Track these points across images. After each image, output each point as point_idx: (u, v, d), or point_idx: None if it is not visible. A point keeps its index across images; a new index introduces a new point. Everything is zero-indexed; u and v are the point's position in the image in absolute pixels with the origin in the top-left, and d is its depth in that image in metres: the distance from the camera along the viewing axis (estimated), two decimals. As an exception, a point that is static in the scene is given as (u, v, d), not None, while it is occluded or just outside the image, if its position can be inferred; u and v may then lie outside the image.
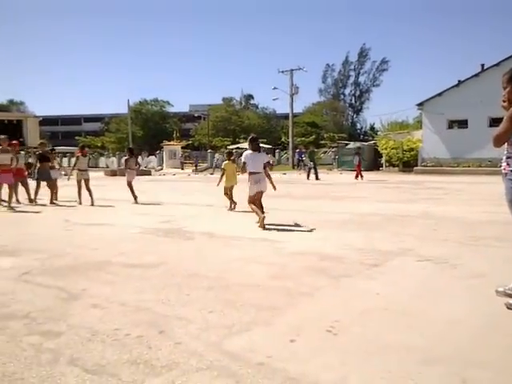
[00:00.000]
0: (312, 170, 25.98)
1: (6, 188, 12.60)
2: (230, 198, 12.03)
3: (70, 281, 5.22)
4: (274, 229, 8.70)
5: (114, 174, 35.12)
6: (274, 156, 50.83)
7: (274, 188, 9.77)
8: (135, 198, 14.10)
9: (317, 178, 25.39)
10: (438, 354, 3.25)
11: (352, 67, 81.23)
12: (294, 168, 42.10)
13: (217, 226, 9.16)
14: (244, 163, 9.39)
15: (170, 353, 3.30)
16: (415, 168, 31.26)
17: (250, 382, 2.86)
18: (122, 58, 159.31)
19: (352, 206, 12.64)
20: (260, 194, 9.39)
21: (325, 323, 3.81)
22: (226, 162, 12.64)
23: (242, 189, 10.64)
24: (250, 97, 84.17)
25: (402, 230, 8.33)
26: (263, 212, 9.05)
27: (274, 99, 64.59)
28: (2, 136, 12.70)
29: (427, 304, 4.35)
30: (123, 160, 15.53)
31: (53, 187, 14.15)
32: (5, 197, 12.73)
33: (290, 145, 45.40)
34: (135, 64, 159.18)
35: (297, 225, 9.11)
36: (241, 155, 28.17)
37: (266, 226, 8.68)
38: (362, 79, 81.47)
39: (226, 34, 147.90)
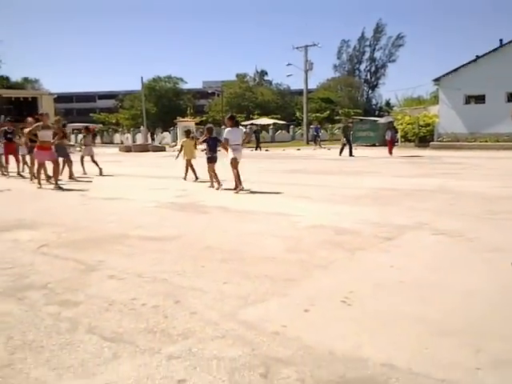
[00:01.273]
0: (346, 146, 24.01)
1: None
2: (192, 169, 13.15)
3: (87, 253, 5.30)
4: (290, 203, 8.70)
5: (128, 150, 35.24)
6: (289, 132, 50.64)
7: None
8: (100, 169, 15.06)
9: (351, 154, 23.57)
10: (452, 326, 3.25)
11: (367, 43, 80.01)
12: (308, 144, 41.85)
13: (231, 201, 9.19)
14: (226, 139, 10.80)
15: (185, 322, 3.35)
16: (431, 143, 30.86)
17: (265, 350, 2.90)
18: (136, 36, 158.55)
19: (367, 180, 12.57)
20: (236, 160, 10.76)
21: (339, 294, 3.83)
22: (184, 139, 13.96)
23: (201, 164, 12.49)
24: (264, 73, 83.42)
25: (418, 205, 8.27)
26: (240, 179, 10.64)
27: (288, 75, 64.20)
28: (45, 111, 12.59)
29: (442, 276, 4.34)
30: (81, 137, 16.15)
31: (69, 162, 14.21)
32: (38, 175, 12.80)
33: (305, 120, 45.01)
34: (149, 41, 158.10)
35: None
36: (255, 131, 27.48)
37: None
38: (377, 55, 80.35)
39: (240, 10, 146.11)
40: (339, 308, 3.59)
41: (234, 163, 10.73)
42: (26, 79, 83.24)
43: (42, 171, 12.51)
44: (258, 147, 33.38)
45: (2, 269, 4.73)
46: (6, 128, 15.73)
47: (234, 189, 10.58)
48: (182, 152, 13.34)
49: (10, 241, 6.00)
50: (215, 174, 11.56)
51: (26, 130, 14.52)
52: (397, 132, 25.76)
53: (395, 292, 3.94)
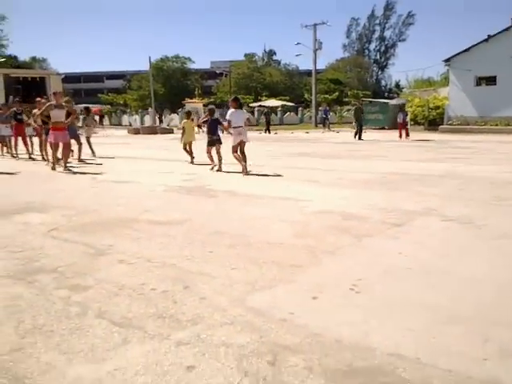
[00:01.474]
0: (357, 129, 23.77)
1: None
2: (190, 152, 13.21)
3: (97, 237, 5.34)
4: (298, 187, 8.70)
5: (137, 132, 35.23)
6: (297, 114, 50.31)
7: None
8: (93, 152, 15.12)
9: (359, 138, 23.27)
10: (460, 313, 3.25)
11: (377, 21, 78.97)
12: (316, 126, 41.60)
13: (240, 185, 9.19)
14: (229, 121, 10.88)
15: (194, 307, 3.38)
16: (441, 127, 30.56)
17: (273, 337, 2.92)
18: (143, 15, 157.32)
19: (376, 165, 12.51)
20: (243, 144, 10.89)
21: (347, 281, 3.84)
22: (185, 120, 14.00)
23: (200, 146, 12.88)
24: (273, 52, 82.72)
25: (427, 190, 8.24)
26: (245, 161, 10.71)
27: (296, 55, 63.80)
28: (58, 90, 12.40)
29: (451, 263, 4.34)
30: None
31: (79, 145, 14.17)
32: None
33: (313, 102, 44.66)
34: (156, 20, 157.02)
35: None
36: (265, 113, 27.32)
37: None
38: (387, 34, 79.32)
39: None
40: (347, 295, 3.60)
41: (235, 148, 10.84)
42: (33, 58, 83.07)
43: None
44: (267, 130, 32.95)
45: (12, 252, 4.78)
46: (15, 109, 15.73)
47: (242, 171, 10.64)
48: (183, 134, 13.46)
49: (21, 224, 6.06)
50: (211, 156, 11.66)
51: (35, 111, 14.53)
52: (407, 114, 25.40)
53: (403, 279, 3.95)
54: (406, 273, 4.09)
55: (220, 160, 11.41)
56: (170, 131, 36.02)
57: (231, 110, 11.03)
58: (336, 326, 3.06)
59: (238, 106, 11.33)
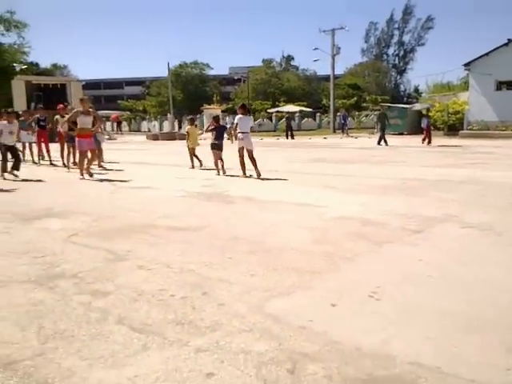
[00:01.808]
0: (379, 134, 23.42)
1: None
2: (195, 156, 13.61)
3: (117, 242, 5.38)
4: (315, 193, 8.68)
5: (155, 138, 35.48)
6: (315, 120, 50.20)
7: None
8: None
9: (379, 143, 22.81)
10: (481, 322, 3.21)
11: (396, 26, 78.54)
12: (334, 132, 41.46)
13: (257, 191, 9.20)
14: (236, 123, 11.41)
15: (213, 314, 3.38)
16: (461, 132, 30.23)
17: (291, 345, 2.91)
18: (162, 21, 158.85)
19: (394, 170, 12.42)
20: (247, 150, 11.30)
21: (366, 288, 3.82)
22: (189, 126, 14.47)
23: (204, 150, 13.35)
24: (291, 58, 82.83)
25: (446, 196, 8.15)
26: (257, 166, 11.18)
27: (314, 60, 63.73)
28: (85, 96, 12.26)
29: (471, 271, 4.28)
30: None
31: (99, 151, 14.28)
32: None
33: (331, 108, 44.52)
34: (175, 27, 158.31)
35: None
36: (287, 118, 27.44)
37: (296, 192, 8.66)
38: (406, 38, 78.75)
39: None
40: (366, 302, 3.57)
41: (242, 151, 11.33)
42: (54, 65, 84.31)
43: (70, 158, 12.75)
44: (290, 136, 32.07)
45: (34, 257, 4.85)
46: (38, 115, 15.95)
47: (244, 175, 11.26)
48: (187, 140, 13.95)
49: (42, 229, 6.14)
50: (221, 161, 12.04)
51: (57, 117, 14.73)
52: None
53: (423, 286, 3.91)
54: (425, 280, 4.05)
55: (222, 165, 11.99)
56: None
57: (239, 116, 11.55)
58: (355, 334, 3.04)
59: (246, 112, 11.83)
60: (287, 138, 31.92)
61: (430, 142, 22.89)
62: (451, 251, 4.92)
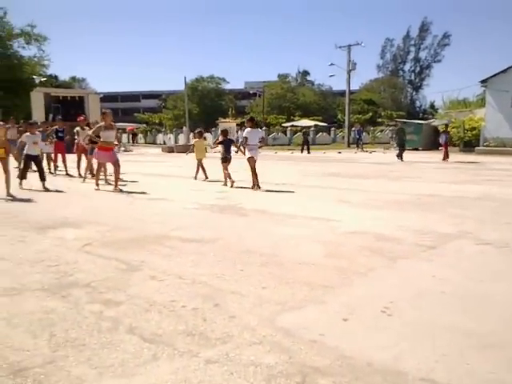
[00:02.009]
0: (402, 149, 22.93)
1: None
2: (203, 168, 13.88)
3: (129, 253, 5.41)
4: (329, 207, 8.66)
5: (171, 150, 35.72)
6: (329, 134, 50.24)
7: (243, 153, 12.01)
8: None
9: (398, 157, 22.53)
10: (494, 339, 3.16)
11: (412, 42, 78.61)
12: (349, 146, 41.41)
13: (271, 204, 9.19)
14: (245, 137, 11.78)
15: (224, 326, 3.37)
16: (477, 148, 30.04)
17: (302, 359, 2.89)
18: (179, 36, 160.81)
19: (409, 186, 12.35)
20: (253, 160, 11.62)
21: (379, 304, 3.78)
22: (196, 139, 14.96)
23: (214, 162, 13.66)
24: (306, 73, 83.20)
25: (462, 212, 8.07)
26: (257, 178, 11.54)
27: (330, 76, 63.76)
28: (108, 110, 12.22)
29: (485, 288, 4.23)
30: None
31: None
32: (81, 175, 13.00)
33: (346, 122, 44.57)
34: (192, 41, 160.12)
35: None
36: (304, 133, 27.93)
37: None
38: (422, 55, 78.80)
39: (282, 9, 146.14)
40: (379, 318, 3.54)
41: (252, 162, 11.63)
42: (73, 78, 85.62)
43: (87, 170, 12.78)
44: (307, 150, 31.80)
45: (48, 266, 4.88)
46: (57, 127, 16.18)
47: (252, 187, 11.54)
48: (194, 152, 14.25)
49: (57, 238, 6.19)
50: (228, 173, 12.31)
51: (77, 129, 14.87)
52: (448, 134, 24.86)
53: (437, 303, 3.86)
54: (439, 296, 4.00)
55: (229, 176, 12.27)
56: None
57: (248, 129, 11.93)
58: (367, 349, 3.01)
59: (254, 125, 12.26)
60: (302, 152, 31.81)
61: (446, 158, 22.66)
62: (465, 268, 4.86)
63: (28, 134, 11.86)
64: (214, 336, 3.21)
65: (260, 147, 12.29)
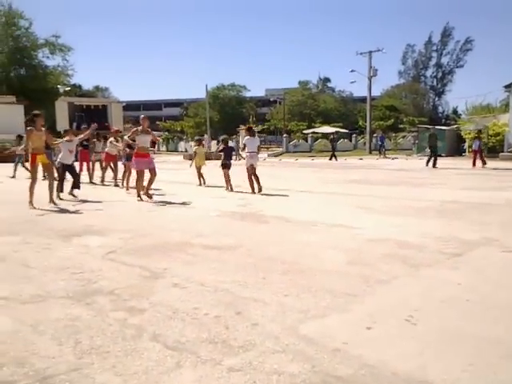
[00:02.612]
0: (428, 156, 22.72)
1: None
2: (201, 175, 14.82)
3: (152, 260, 5.45)
4: (351, 214, 8.60)
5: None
6: (351, 141, 50.06)
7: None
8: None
9: (434, 165, 21.76)
10: (524, 350, 3.09)
11: (434, 48, 78.04)
12: (371, 153, 41.17)
13: (292, 211, 9.17)
14: (244, 145, 12.82)
15: (246, 334, 3.37)
16: (501, 154, 29.56)
17: (325, 367, 2.87)
18: (201, 44, 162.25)
19: (433, 192, 12.22)
20: (254, 168, 12.38)
21: (403, 312, 3.74)
22: (197, 147, 15.92)
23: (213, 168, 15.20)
24: (327, 80, 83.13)
25: (486, 219, 7.95)
26: (259, 182, 12.20)
27: (351, 82, 63.72)
28: (143, 115, 11.84)
29: (511, 296, 4.15)
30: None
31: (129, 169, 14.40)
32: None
33: (368, 129, 44.38)
34: (213, 49, 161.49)
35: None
36: (332, 140, 28.26)
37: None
38: (444, 60, 78.17)
39: (303, 16, 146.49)
40: (403, 326, 3.50)
41: (250, 169, 12.35)
42: (96, 87, 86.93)
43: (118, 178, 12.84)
44: (333, 156, 31.52)
45: (72, 273, 4.95)
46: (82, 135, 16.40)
47: (252, 192, 12.21)
48: (194, 159, 15.22)
49: (81, 246, 6.27)
50: (229, 179, 13.06)
51: (113, 139, 15.03)
52: (464, 142, 24.54)
53: (462, 311, 3.80)
54: (464, 304, 3.94)
55: (229, 181, 13.06)
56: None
57: (246, 137, 12.79)
58: (391, 358, 2.97)
59: (252, 134, 13.00)
60: (331, 159, 31.24)
61: (484, 163, 22.16)
62: (491, 275, 4.78)
63: (65, 140, 11.65)
64: (237, 344, 3.21)
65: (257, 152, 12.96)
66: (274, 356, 3.02)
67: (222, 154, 13.90)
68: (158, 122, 74.21)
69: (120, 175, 14.87)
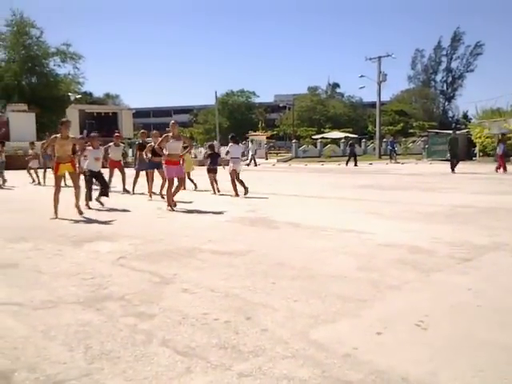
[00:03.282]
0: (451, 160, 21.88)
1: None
2: (190, 180, 15.15)
3: (162, 266, 5.47)
4: (361, 219, 8.58)
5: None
6: (360, 146, 49.95)
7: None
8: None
9: (452, 170, 21.28)
10: (536, 355, 3.07)
11: (444, 52, 77.86)
12: (380, 158, 41.05)
13: (302, 217, 9.16)
14: (228, 151, 13.77)
15: (256, 339, 3.37)
16: (512, 158, 29.32)
17: (336, 373, 2.86)
18: (210, 51, 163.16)
19: (444, 197, 12.15)
20: (237, 172, 13.26)
21: (413, 317, 3.72)
22: (188, 153, 15.53)
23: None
24: (336, 85, 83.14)
25: (497, 224, 7.89)
26: (244, 185, 13.03)
27: (360, 87, 63.69)
28: (173, 121, 11.63)
29: (525, 302, 4.11)
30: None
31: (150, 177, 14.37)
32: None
33: (377, 134, 44.25)
34: (222, 55, 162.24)
35: None
36: (350, 145, 28.22)
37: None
38: (454, 65, 77.92)
39: (312, 21, 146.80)
40: (413, 331, 3.48)
41: (233, 174, 13.21)
42: (107, 95, 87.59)
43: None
44: (354, 161, 30.34)
45: (83, 279, 4.98)
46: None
47: (236, 195, 12.94)
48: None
49: (92, 252, 6.31)
50: (216, 182, 13.91)
51: (144, 145, 14.97)
52: (475, 146, 24.23)
53: (473, 316, 3.78)
54: (475, 310, 3.92)
55: (217, 184, 13.92)
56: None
57: (230, 144, 13.80)
58: (402, 363, 2.96)
59: (235, 141, 13.97)
60: (355, 164, 30.29)
61: (505, 169, 21.62)
62: (502, 281, 4.75)
63: (90, 148, 11.27)
64: (247, 349, 3.21)
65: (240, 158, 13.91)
66: (284, 361, 3.02)
67: (208, 159, 14.72)
68: (167, 129, 74.55)
69: (130, 180, 14.88)
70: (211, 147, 15.00)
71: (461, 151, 32.12)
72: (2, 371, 2.98)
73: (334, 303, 4.10)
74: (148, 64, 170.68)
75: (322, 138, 51.44)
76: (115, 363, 3.06)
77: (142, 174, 13.80)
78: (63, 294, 4.51)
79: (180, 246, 6.52)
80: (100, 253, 6.24)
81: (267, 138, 54.42)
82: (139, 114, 67.34)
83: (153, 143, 13.16)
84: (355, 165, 30.29)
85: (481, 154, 33.27)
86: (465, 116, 69.33)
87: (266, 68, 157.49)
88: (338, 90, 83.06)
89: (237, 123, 72.09)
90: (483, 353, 3.11)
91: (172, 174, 10.64)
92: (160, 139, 11.33)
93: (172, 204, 10.46)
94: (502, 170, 21.73)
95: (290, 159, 44.46)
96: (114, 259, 5.83)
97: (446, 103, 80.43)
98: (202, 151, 54.44)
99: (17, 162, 24.04)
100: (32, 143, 20.46)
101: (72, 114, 38.41)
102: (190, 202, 11.61)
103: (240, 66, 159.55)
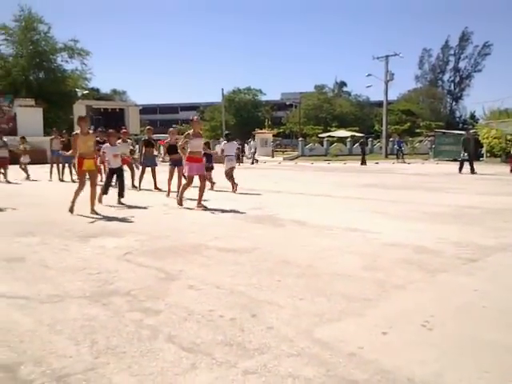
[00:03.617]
0: (464, 161, 21.22)
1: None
2: (184, 177, 14.82)
3: (168, 262, 5.48)
4: (367, 219, 8.57)
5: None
6: (367, 145, 49.84)
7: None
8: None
9: (472, 172, 20.71)
10: (542, 357, 3.06)
11: (451, 52, 77.50)
12: (386, 157, 40.96)
13: (308, 215, 9.15)
14: (222, 150, 14.14)
15: (262, 337, 3.38)
16: (520, 159, 29.15)
17: (340, 372, 2.86)
18: (217, 48, 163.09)
19: (450, 197, 12.10)
20: (232, 169, 13.76)
21: (419, 317, 3.72)
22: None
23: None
24: (343, 84, 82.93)
25: (504, 225, 7.86)
26: (235, 182, 13.53)
27: (367, 86, 63.49)
28: (195, 117, 11.36)
29: (531, 304, 4.10)
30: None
31: (154, 173, 14.39)
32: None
33: (384, 133, 44.14)
34: (229, 53, 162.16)
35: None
36: (361, 143, 28.45)
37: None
38: (462, 64, 77.56)
39: (320, 20, 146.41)
40: (419, 332, 3.48)
41: (229, 171, 13.68)
42: (114, 91, 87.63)
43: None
44: (363, 161, 30.14)
45: (89, 274, 5.00)
46: (97, 138, 16.51)
47: (233, 191, 13.37)
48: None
49: (98, 247, 6.33)
50: (210, 178, 13.96)
51: (167, 143, 14.95)
52: (482, 147, 24.17)
53: (479, 317, 3.77)
54: (481, 311, 3.91)
55: (211, 181, 14.05)
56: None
57: (224, 142, 14.26)
58: (407, 364, 2.96)
59: (230, 139, 14.43)
60: (362, 163, 30.10)
61: None
62: (508, 281, 4.73)
63: (108, 145, 11.16)
64: (252, 347, 3.22)
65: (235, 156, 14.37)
66: (289, 359, 3.03)
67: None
68: (174, 125, 74.58)
69: (136, 177, 14.91)
70: (207, 144, 14.29)
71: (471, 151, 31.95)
72: (8, 364, 3.00)
73: (339, 302, 4.10)
74: (155, 61, 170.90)
75: (329, 136, 51.35)
76: (121, 358, 3.07)
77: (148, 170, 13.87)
78: (69, 288, 4.54)
79: (186, 243, 6.53)
80: (106, 248, 6.26)
81: (273, 135, 54.36)
82: (146, 110, 67.37)
83: (169, 139, 13.84)
84: (362, 163, 30.20)
85: (488, 154, 33.12)
86: (472, 116, 68.94)
87: (273, 66, 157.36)
88: (344, 89, 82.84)
89: (243, 121, 72.02)
90: (489, 354, 3.10)
91: (193, 171, 10.43)
92: (181, 139, 11.11)
93: (201, 206, 10.22)
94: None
95: (297, 157, 44.39)
96: (121, 255, 5.85)
97: (454, 103, 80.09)
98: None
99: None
100: (23, 138, 20.13)
101: (79, 109, 38.40)
102: (196, 200, 11.61)
103: (247, 64, 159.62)
